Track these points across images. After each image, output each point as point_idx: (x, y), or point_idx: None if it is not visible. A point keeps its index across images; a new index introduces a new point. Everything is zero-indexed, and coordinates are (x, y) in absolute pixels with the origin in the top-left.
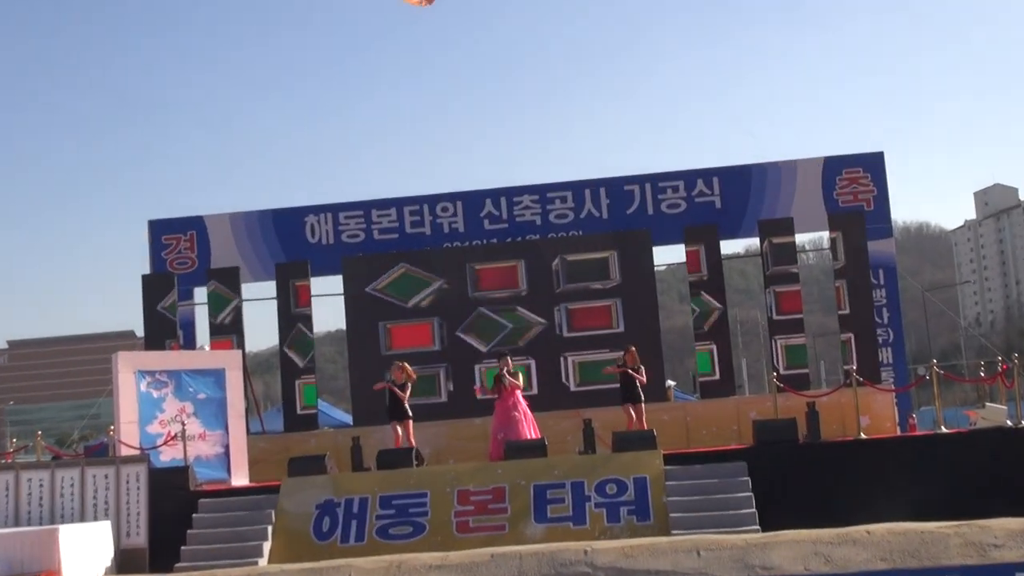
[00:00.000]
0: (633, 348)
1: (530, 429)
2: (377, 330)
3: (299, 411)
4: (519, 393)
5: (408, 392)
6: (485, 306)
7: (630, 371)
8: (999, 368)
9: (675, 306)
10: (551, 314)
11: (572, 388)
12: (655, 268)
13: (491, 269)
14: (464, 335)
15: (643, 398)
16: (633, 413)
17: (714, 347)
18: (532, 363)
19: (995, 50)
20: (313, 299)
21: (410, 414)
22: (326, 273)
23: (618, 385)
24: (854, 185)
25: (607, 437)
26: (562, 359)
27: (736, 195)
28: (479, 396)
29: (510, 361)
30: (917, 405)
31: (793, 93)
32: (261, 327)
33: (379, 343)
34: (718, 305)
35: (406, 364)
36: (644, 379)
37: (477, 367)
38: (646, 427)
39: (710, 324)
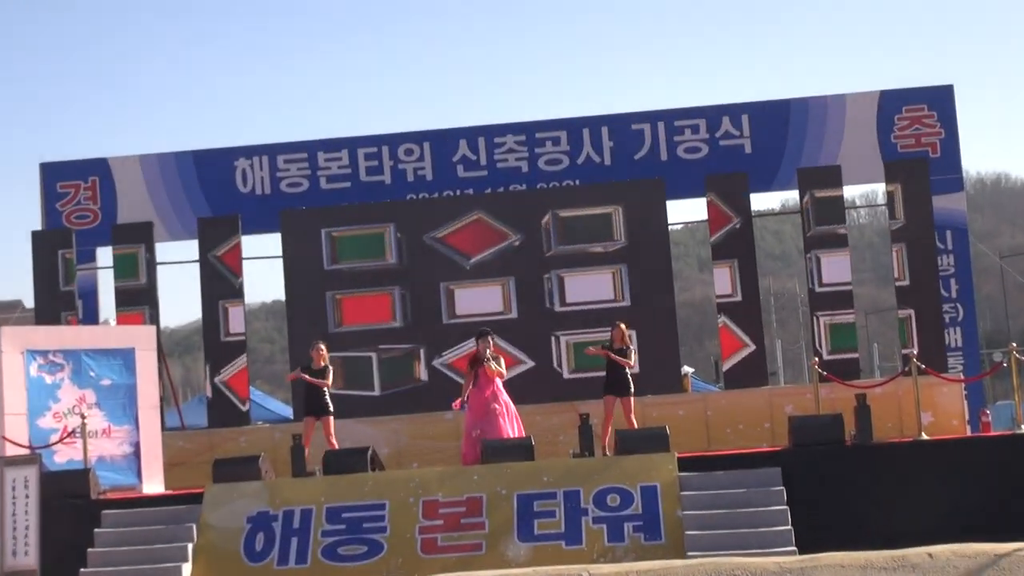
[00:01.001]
0: (622, 325)
1: (513, 425)
2: (324, 302)
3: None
4: (500, 382)
5: (330, 379)
6: (461, 272)
7: (612, 355)
8: None
9: (693, 275)
10: (539, 283)
11: (565, 375)
12: (669, 227)
13: (468, 225)
14: (439, 307)
15: (632, 389)
16: (621, 408)
17: (741, 326)
18: (520, 343)
19: None
20: (245, 263)
21: (331, 409)
22: (261, 230)
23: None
24: (917, 126)
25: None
26: (553, 340)
27: (770, 137)
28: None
29: (492, 341)
30: (992, 399)
31: (842, 10)
32: (180, 297)
33: (327, 318)
34: (747, 274)
35: (323, 346)
36: (632, 364)
37: (436, 360)
38: (634, 423)
39: (738, 296)
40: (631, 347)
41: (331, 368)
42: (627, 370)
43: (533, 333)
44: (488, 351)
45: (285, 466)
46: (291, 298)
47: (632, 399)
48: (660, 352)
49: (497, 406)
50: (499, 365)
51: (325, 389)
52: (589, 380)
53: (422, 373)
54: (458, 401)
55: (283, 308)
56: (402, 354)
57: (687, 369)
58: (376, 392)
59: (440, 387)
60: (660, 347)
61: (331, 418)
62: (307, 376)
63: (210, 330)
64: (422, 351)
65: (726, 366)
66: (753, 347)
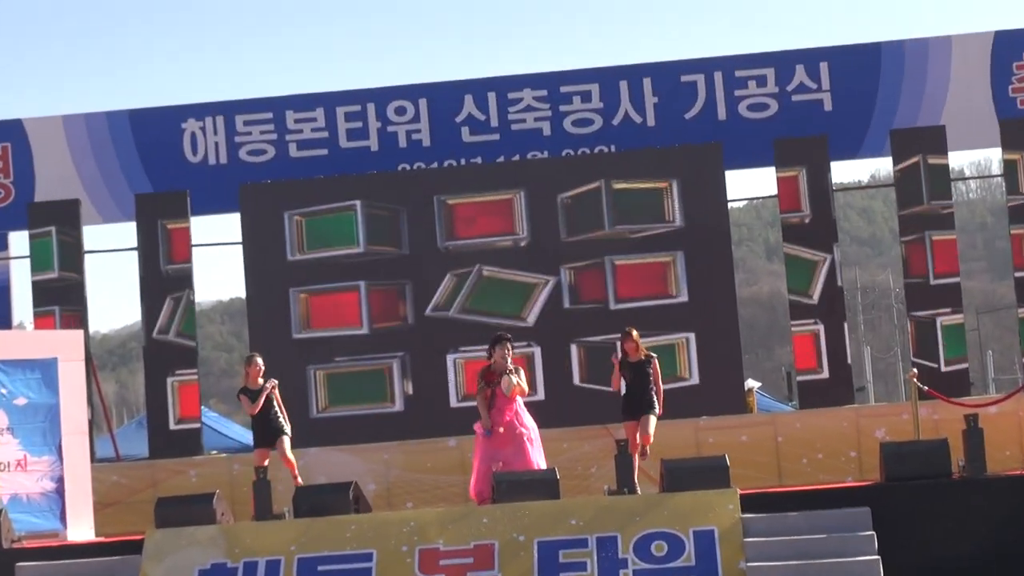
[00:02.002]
0: (633, 332)
1: (535, 456)
2: (289, 301)
3: (173, 425)
4: (520, 401)
5: (266, 396)
6: (462, 264)
7: (625, 363)
8: None
9: (759, 264)
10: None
11: (583, 385)
12: (729, 205)
13: (472, 205)
14: (431, 310)
15: (657, 408)
16: (639, 435)
17: (820, 328)
18: (536, 352)
19: None
20: (196, 251)
21: (285, 429)
22: (215, 209)
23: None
24: None
25: (653, 467)
26: (573, 348)
27: (856, 90)
28: (454, 404)
29: (511, 348)
30: None
31: None
32: (114, 295)
33: (291, 321)
34: (826, 260)
35: (260, 360)
36: (658, 376)
37: (451, 358)
38: (647, 449)
39: (815, 292)
40: (653, 356)
41: (268, 387)
42: (652, 386)
43: (556, 339)
44: (508, 361)
45: (246, 507)
46: (253, 296)
47: (654, 418)
48: (719, 361)
49: (524, 430)
50: (521, 379)
51: (277, 410)
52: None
53: (418, 389)
54: (479, 425)
55: (243, 308)
56: (392, 365)
57: (752, 383)
58: (361, 412)
59: (441, 406)
60: (719, 355)
61: (286, 438)
62: (249, 401)
63: (152, 335)
64: (418, 361)
65: (801, 379)
66: (835, 355)
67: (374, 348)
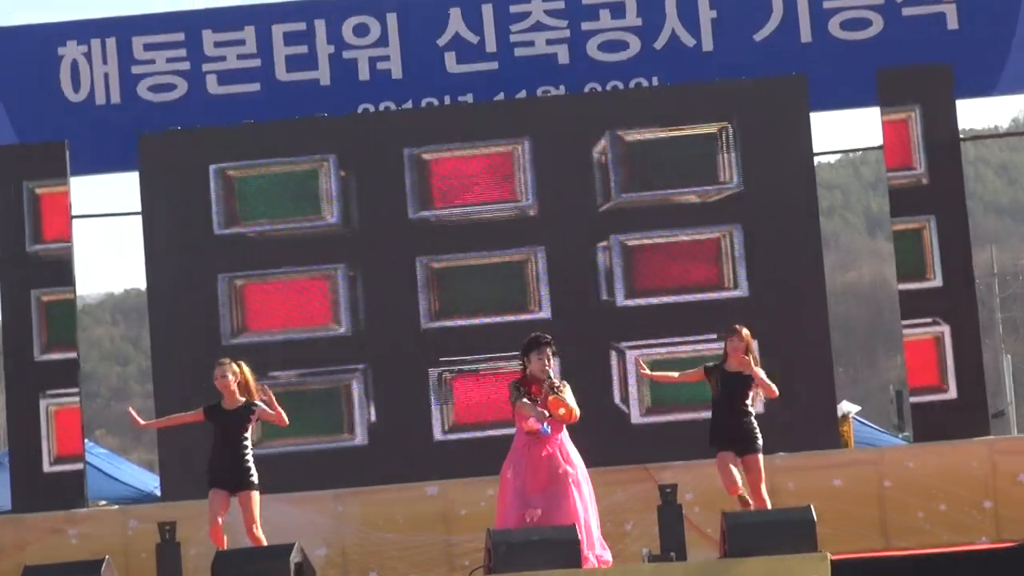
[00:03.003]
0: (744, 331)
1: (584, 505)
2: (216, 290)
3: (47, 467)
4: (566, 432)
5: (257, 417)
6: (442, 244)
7: (719, 373)
8: None
9: (858, 241)
10: (589, 259)
11: (635, 418)
12: (816, 160)
13: (460, 160)
14: (409, 301)
15: (761, 442)
16: (743, 474)
17: (944, 331)
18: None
19: None
20: (78, 224)
21: (254, 479)
22: (105, 167)
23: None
24: None
25: (710, 521)
26: (614, 356)
27: (991, 5)
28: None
29: (551, 355)
30: None
31: None
32: None
33: (219, 319)
34: (950, 236)
35: (236, 366)
36: (773, 389)
37: (435, 373)
38: (765, 499)
39: (936, 280)
40: (758, 365)
41: (263, 396)
42: (749, 416)
43: (579, 345)
44: (549, 373)
45: None
46: (157, 286)
47: (761, 457)
48: (800, 378)
49: (570, 468)
50: (568, 397)
51: (248, 446)
52: (675, 428)
53: (387, 415)
54: (534, 422)
55: (143, 303)
56: (350, 382)
57: (848, 407)
58: (307, 447)
59: (419, 439)
60: (800, 370)
61: (255, 494)
62: (215, 415)
63: (15, 341)
64: (387, 377)
65: (916, 401)
66: (965, 367)
67: (327, 358)
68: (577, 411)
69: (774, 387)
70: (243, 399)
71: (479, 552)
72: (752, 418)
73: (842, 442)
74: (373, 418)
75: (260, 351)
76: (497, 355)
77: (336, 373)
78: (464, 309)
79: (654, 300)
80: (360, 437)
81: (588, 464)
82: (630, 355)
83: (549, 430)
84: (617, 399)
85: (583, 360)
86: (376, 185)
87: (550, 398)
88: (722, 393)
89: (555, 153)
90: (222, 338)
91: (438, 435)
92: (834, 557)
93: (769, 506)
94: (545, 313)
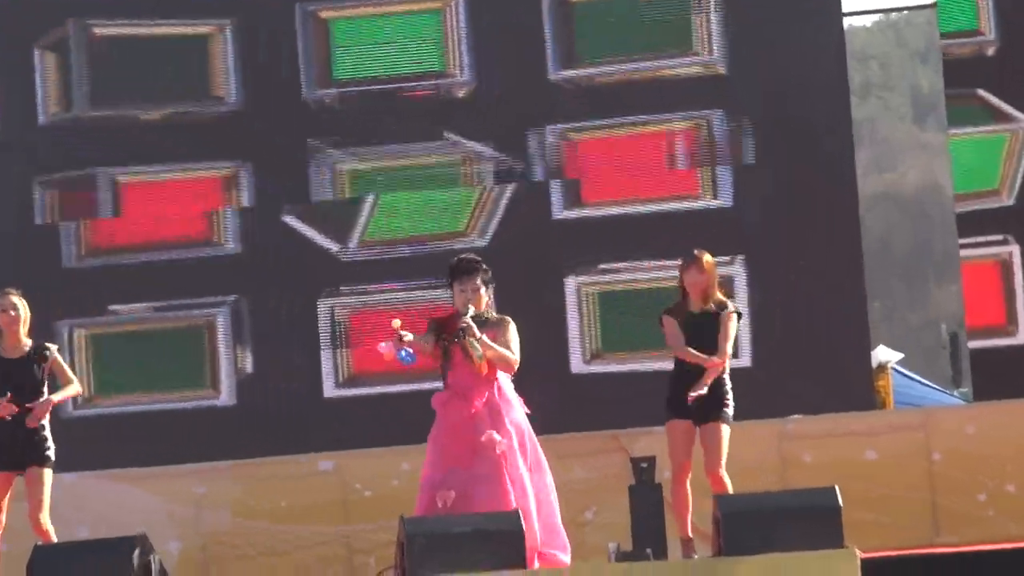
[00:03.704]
0: (705, 257)
1: (529, 482)
2: (33, 195)
3: None
4: (506, 383)
5: (72, 384)
6: (347, 131)
7: (692, 352)
8: None
9: (900, 134)
10: (530, 157)
11: (586, 366)
12: (843, 20)
13: (366, 20)
14: (295, 219)
15: (730, 411)
16: (702, 448)
17: (1015, 251)
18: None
19: None
20: None
21: (49, 453)
22: None
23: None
24: None
25: (701, 511)
26: (568, 289)
27: None
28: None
29: (483, 286)
30: None
31: None
32: None
33: (61, 240)
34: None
35: (21, 299)
36: (727, 355)
37: (327, 306)
38: (725, 481)
39: (1007, 187)
40: (729, 304)
41: (54, 357)
42: (722, 371)
43: (520, 275)
44: (469, 309)
45: None
46: None
47: (726, 430)
48: (820, 316)
49: (500, 435)
50: (488, 344)
51: (43, 421)
52: (652, 380)
53: (264, 366)
54: (389, 346)
55: None
56: (214, 319)
57: (886, 355)
58: (158, 407)
59: (307, 397)
60: (820, 305)
61: (47, 472)
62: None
63: None
64: (263, 314)
65: (976, 346)
66: None
67: (182, 288)
68: (511, 359)
69: (726, 356)
70: (29, 342)
71: (389, 547)
72: (725, 375)
73: (878, 401)
74: (249, 368)
75: (89, 278)
76: (414, 283)
77: (193, 309)
78: (378, 225)
79: (611, 212)
80: (227, 394)
81: (538, 431)
82: (583, 290)
83: (412, 358)
84: (573, 344)
85: (529, 291)
86: (266, 53)
87: (474, 347)
88: (689, 342)
89: (492, 18)
90: (66, 258)
91: (329, 391)
92: (865, 555)
93: (729, 490)
94: (481, 238)
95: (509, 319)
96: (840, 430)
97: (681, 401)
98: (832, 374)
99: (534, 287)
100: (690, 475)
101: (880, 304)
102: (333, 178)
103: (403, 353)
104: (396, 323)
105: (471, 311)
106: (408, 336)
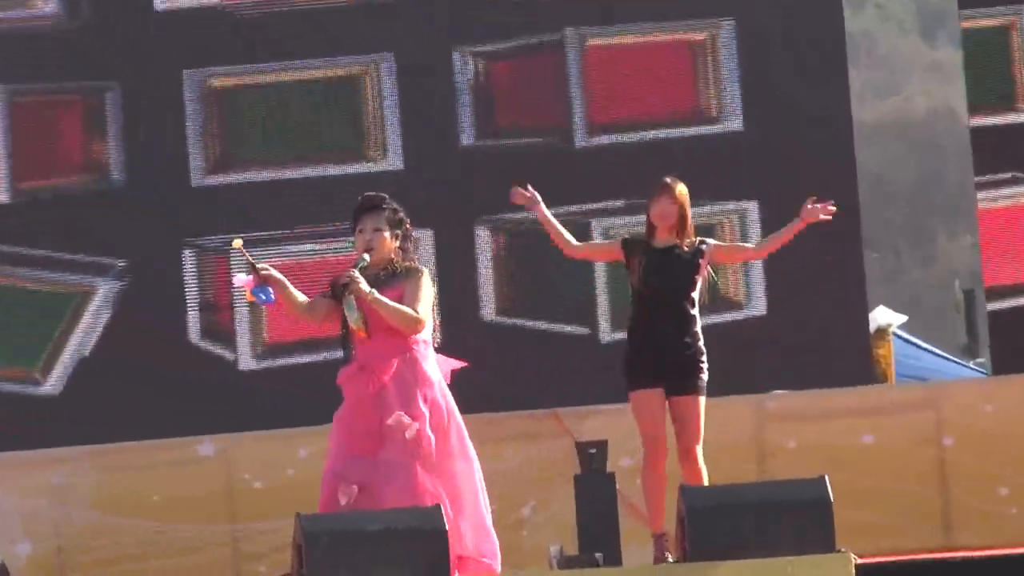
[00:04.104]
0: (678, 187)
1: (451, 474)
2: None
3: None
4: (427, 352)
5: None
6: (236, 47)
7: (644, 251)
8: None
9: (905, 48)
10: (462, 70)
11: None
12: None
13: None
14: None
15: (704, 377)
16: (673, 425)
17: None
18: (429, 236)
19: None
20: None
21: None
22: None
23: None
24: None
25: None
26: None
27: None
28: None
29: (390, 236)
30: None
31: None
32: None
33: None
34: None
35: None
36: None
37: (193, 257)
38: (701, 469)
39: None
40: (711, 242)
41: None
42: (694, 325)
43: (447, 213)
44: (363, 258)
45: None
46: None
47: (702, 401)
48: (807, 269)
49: (411, 417)
50: (354, 310)
51: None
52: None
53: (121, 321)
54: (249, 280)
55: None
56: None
57: (887, 317)
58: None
59: (176, 354)
60: (807, 256)
61: None
62: None
63: None
64: (136, 267)
65: (993, 308)
66: None
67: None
68: (412, 318)
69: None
70: None
71: (284, 551)
72: (697, 331)
73: (876, 373)
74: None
75: None
76: (301, 229)
77: (64, 278)
78: (260, 156)
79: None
80: (49, 385)
81: (463, 408)
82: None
83: (270, 298)
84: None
85: (453, 236)
86: None
87: (354, 315)
88: (647, 287)
89: None
90: None
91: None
92: (861, 560)
93: (705, 479)
94: (395, 163)
95: (423, 270)
96: (831, 408)
97: (651, 365)
98: (821, 340)
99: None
100: (667, 456)
101: (879, 257)
102: (204, 105)
103: (261, 294)
104: (237, 243)
105: (364, 261)
106: (263, 266)
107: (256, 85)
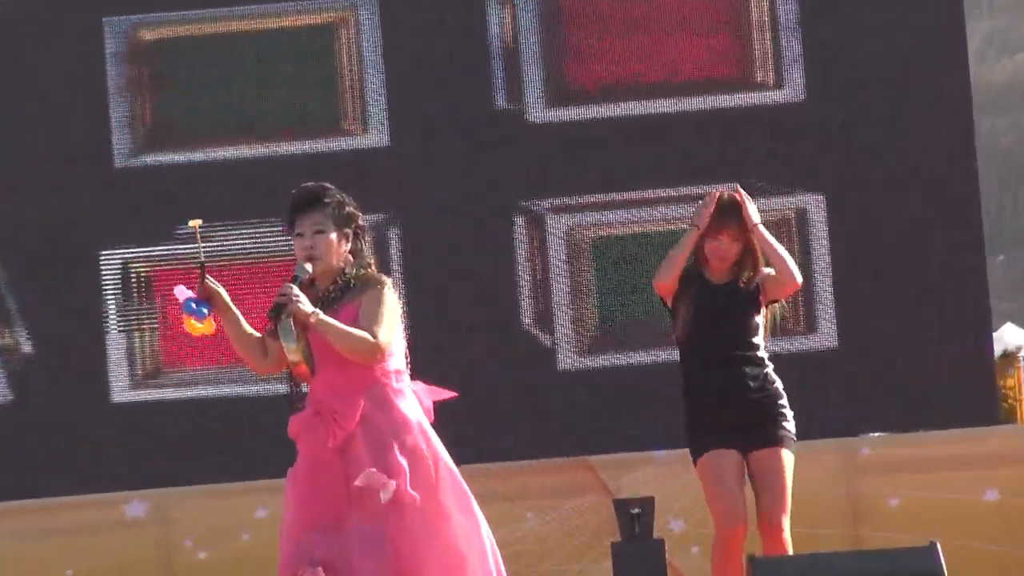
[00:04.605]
0: (741, 193)
1: (437, 538)
2: None
3: None
4: (396, 383)
5: None
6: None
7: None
8: None
9: None
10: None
11: (565, 360)
12: None
13: None
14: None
15: (792, 428)
16: (752, 484)
17: None
18: (395, 239)
19: None
20: None
21: None
22: None
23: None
24: None
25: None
26: (520, 225)
27: None
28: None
29: (338, 238)
30: None
31: None
32: None
33: None
34: None
35: None
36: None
37: (105, 259)
38: (786, 540)
39: None
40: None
41: None
42: (764, 364)
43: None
44: (303, 268)
45: None
46: None
47: (789, 457)
48: (912, 279)
49: (380, 475)
50: (292, 337)
51: None
52: (650, 374)
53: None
54: (184, 292)
55: None
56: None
57: (1016, 338)
58: None
59: (91, 403)
60: (914, 258)
61: None
62: None
63: None
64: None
65: None
66: None
67: None
68: (370, 345)
69: (791, 270)
70: None
71: None
72: (769, 371)
73: (1003, 410)
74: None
75: None
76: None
77: None
78: (202, 131)
79: (604, 111)
80: None
81: (458, 459)
82: (553, 222)
83: (202, 313)
84: (526, 320)
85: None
86: None
87: (282, 320)
88: (700, 324)
89: None
90: None
91: (121, 396)
92: None
93: (790, 549)
94: (381, 139)
95: (385, 280)
96: (943, 456)
97: (721, 419)
98: (931, 370)
99: None
100: (746, 537)
101: (1003, 259)
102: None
103: (191, 304)
104: (194, 223)
105: (305, 272)
106: (210, 279)
107: (194, 37)
